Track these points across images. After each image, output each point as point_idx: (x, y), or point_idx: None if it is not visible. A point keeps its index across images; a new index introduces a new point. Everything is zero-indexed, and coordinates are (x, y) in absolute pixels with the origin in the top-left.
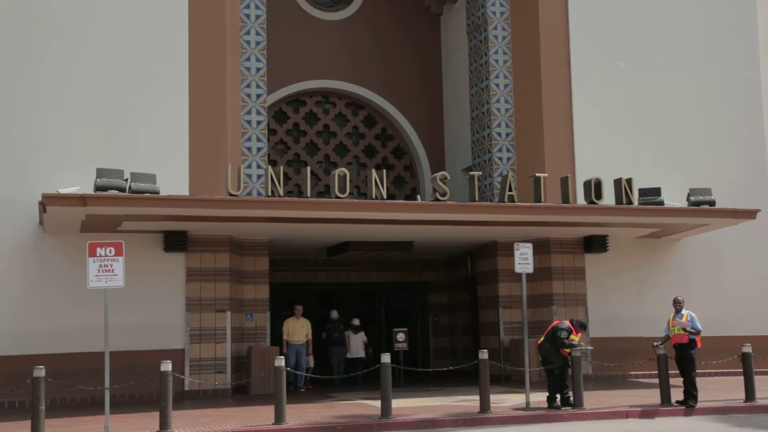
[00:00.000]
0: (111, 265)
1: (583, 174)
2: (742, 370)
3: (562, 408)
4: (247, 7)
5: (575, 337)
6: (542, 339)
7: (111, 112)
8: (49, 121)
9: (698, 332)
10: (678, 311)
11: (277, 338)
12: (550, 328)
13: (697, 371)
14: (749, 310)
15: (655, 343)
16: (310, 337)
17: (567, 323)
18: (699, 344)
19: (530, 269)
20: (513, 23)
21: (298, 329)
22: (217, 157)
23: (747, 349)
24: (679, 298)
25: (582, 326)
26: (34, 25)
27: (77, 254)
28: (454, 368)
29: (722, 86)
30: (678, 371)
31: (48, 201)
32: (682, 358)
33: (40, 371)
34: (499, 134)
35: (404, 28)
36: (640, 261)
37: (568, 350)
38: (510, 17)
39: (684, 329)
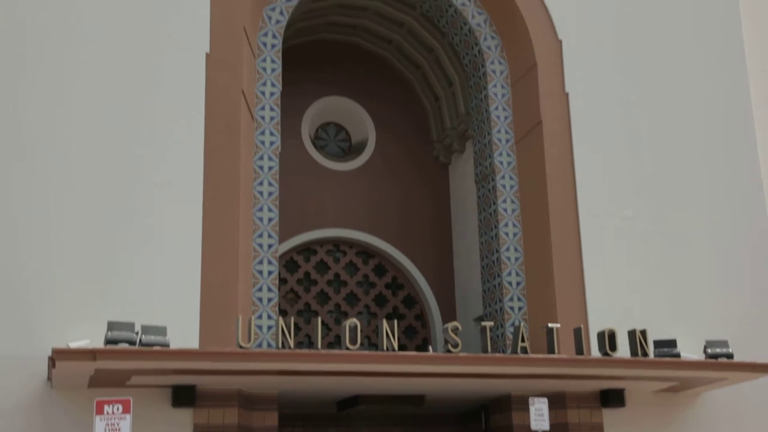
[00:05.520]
0: (118, 424)
1: (596, 324)
2: None
3: None
4: (261, 158)
5: None
6: None
7: (122, 263)
8: (58, 274)
9: None
10: None
11: None
12: None
13: None
14: None
15: None
16: None
17: None
18: None
19: (546, 426)
20: (520, 173)
21: None
22: (228, 308)
23: None
24: None
25: None
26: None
27: (82, 413)
28: None
29: (736, 235)
30: None
31: (57, 356)
32: None
33: None
34: (510, 283)
35: (414, 178)
36: (659, 416)
37: None
38: (517, 167)
39: None
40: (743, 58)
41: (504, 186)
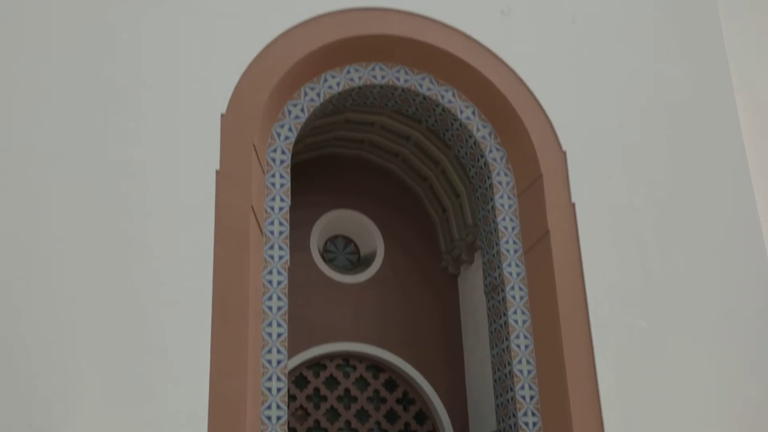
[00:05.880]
0: None
1: None
2: None
3: None
4: (270, 273)
5: None
6: None
7: (129, 383)
8: (66, 392)
9: None
10: None
11: None
12: None
13: None
14: None
15: None
16: None
17: None
18: None
19: None
20: (530, 283)
21: None
22: (236, 428)
23: None
24: None
25: None
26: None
27: None
28: None
29: (754, 345)
30: None
31: None
32: None
33: None
34: (523, 397)
35: (423, 290)
36: None
37: None
38: (526, 278)
39: None
40: (747, 167)
41: (514, 297)
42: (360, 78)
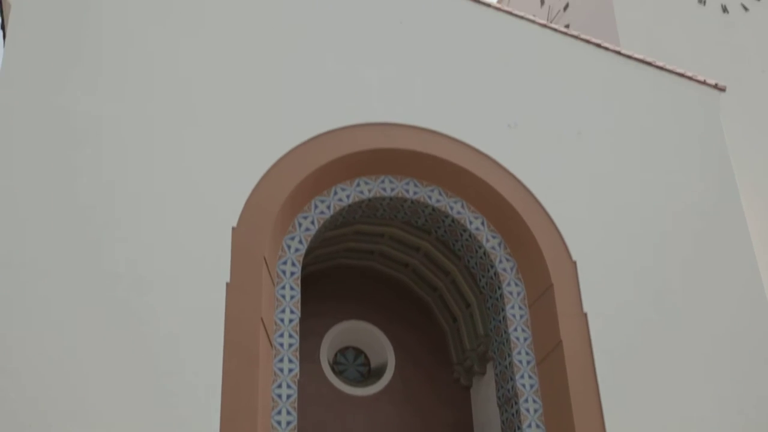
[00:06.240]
0: None
1: None
2: None
3: None
4: (279, 386)
5: None
6: None
7: None
8: None
9: None
10: None
11: None
12: None
13: None
14: None
15: None
16: None
17: None
18: None
19: None
20: (543, 396)
21: None
22: None
23: None
24: None
25: None
26: None
27: None
28: None
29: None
30: None
31: None
32: None
33: None
34: None
35: (435, 402)
36: None
37: None
38: (540, 390)
39: None
40: (758, 271)
41: (528, 410)
42: (370, 190)
